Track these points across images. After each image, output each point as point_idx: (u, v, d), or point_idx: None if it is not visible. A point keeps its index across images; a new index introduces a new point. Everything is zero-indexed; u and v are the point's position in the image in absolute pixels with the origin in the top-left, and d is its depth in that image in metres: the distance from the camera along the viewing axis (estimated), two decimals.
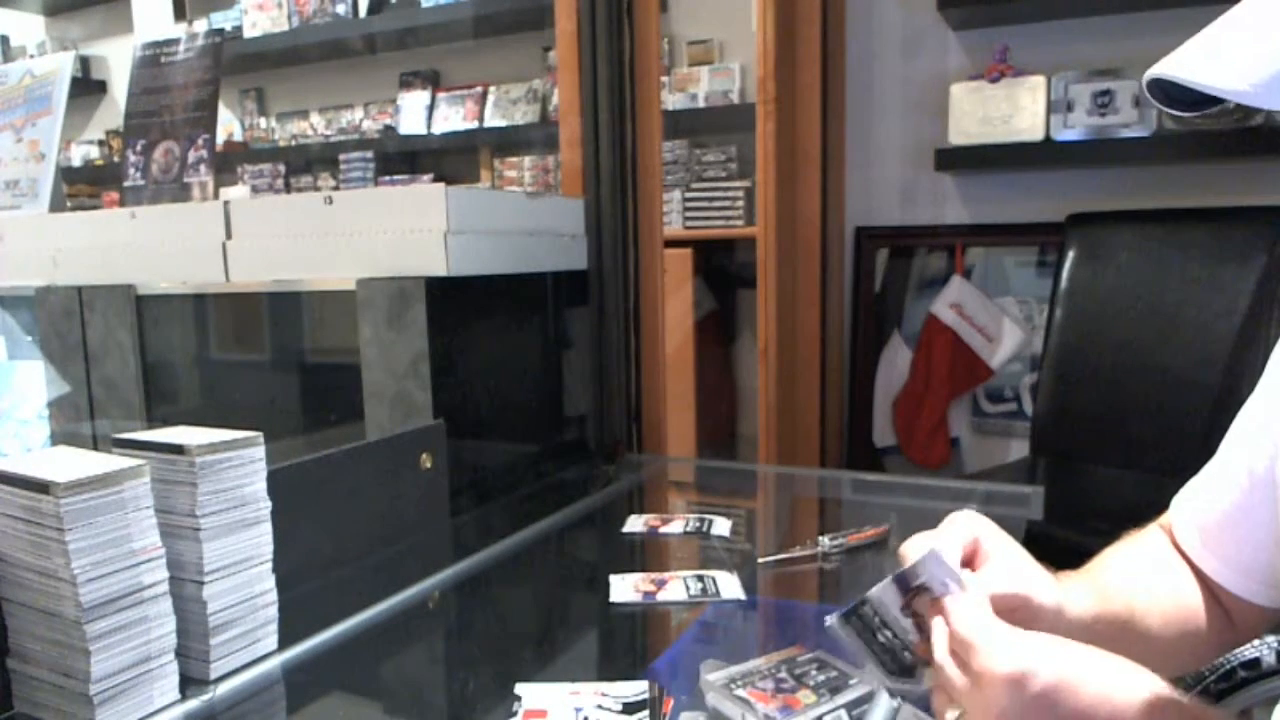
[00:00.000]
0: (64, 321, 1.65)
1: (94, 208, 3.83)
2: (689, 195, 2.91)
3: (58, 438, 1.71)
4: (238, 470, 0.81)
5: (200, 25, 3.67)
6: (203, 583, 0.78)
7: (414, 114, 3.61)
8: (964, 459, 2.65)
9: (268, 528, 0.85)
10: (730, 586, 1.03)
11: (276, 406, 1.55)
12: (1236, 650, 1.02)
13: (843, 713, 0.73)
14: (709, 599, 1.01)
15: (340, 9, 3.50)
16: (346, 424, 1.38)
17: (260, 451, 0.83)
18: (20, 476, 0.69)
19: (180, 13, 3.62)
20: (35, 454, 0.75)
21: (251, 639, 0.83)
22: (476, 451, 1.38)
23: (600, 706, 0.76)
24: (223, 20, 3.73)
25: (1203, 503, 0.77)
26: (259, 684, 0.82)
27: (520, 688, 0.80)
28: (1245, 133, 2.09)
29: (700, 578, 1.05)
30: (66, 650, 0.70)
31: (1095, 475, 2.03)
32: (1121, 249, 2.06)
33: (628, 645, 1.01)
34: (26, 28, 4.46)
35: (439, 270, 1.27)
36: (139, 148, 1.67)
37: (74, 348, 1.65)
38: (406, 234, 1.29)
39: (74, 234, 1.65)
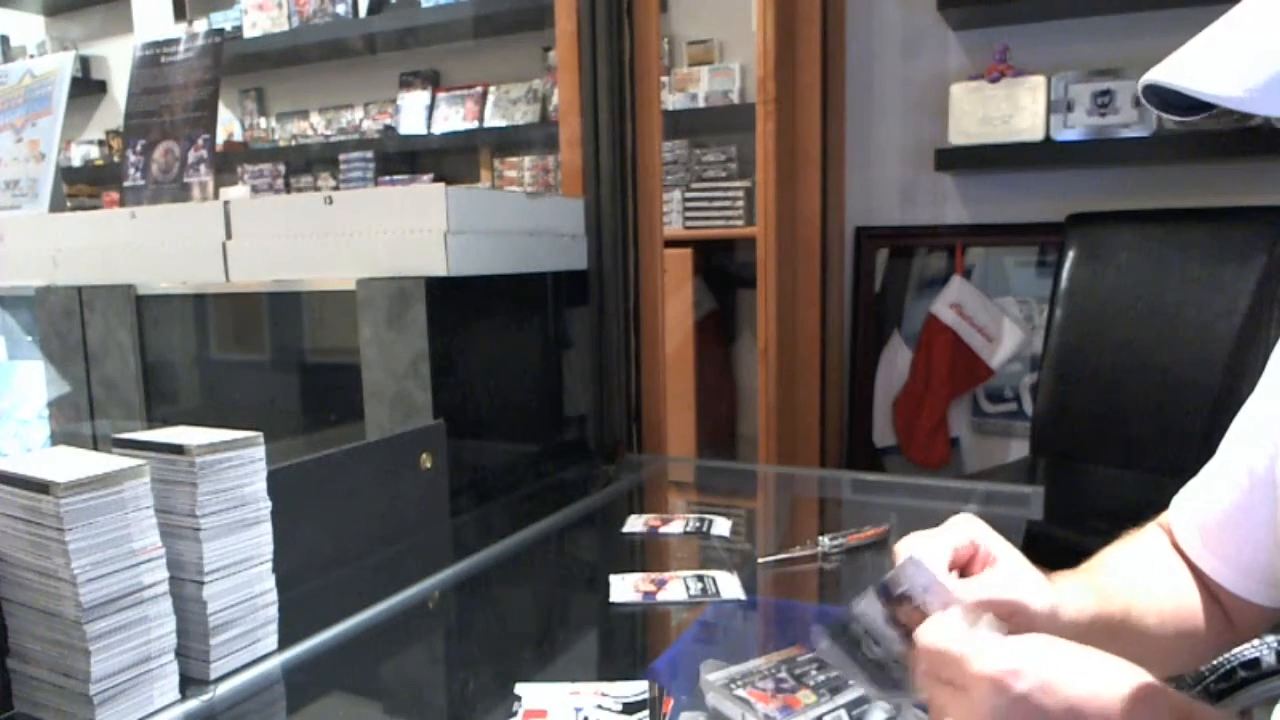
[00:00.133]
0: (64, 321, 1.65)
1: (94, 208, 3.83)
2: (689, 195, 2.91)
3: (58, 438, 1.71)
4: (238, 470, 0.81)
5: (200, 25, 3.67)
6: (203, 583, 0.78)
7: (414, 114, 3.61)
8: (964, 459, 2.65)
9: (268, 528, 0.85)
10: (730, 586, 1.03)
11: (276, 406, 1.55)
12: (1236, 650, 1.02)
13: (843, 713, 0.73)
14: (709, 599, 1.01)
15: (340, 9, 3.50)
16: (346, 424, 1.38)
17: (260, 451, 0.83)
18: (20, 476, 0.69)
19: (180, 13, 3.62)
20: (35, 454, 0.75)
21: (251, 639, 0.83)
22: (476, 451, 1.39)
23: (600, 706, 0.76)
24: (223, 20, 3.73)
25: (1203, 502, 0.77)
26: (259, 684, 0.82)
27: (520, 688, 0.80)
28: (1245, 133, 2.09)
29: (700, 578, 1.05)
30: (66, 650, 0.70)
31: (1095, 475, 2.03)
32: (1121, 249, 2.06)
33: (628, 645, 1.01)
34: (26, 28, 4.46)
35: (439, 270, 1.27)
36: (139, 148, 1.67)
37: (74, 348, 1.65)
38: (406, 234, 1.29)
39: (74, 234, 1.65)
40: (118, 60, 4.28)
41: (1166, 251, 2.02)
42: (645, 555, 1.25)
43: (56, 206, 1.77)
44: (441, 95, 3.58)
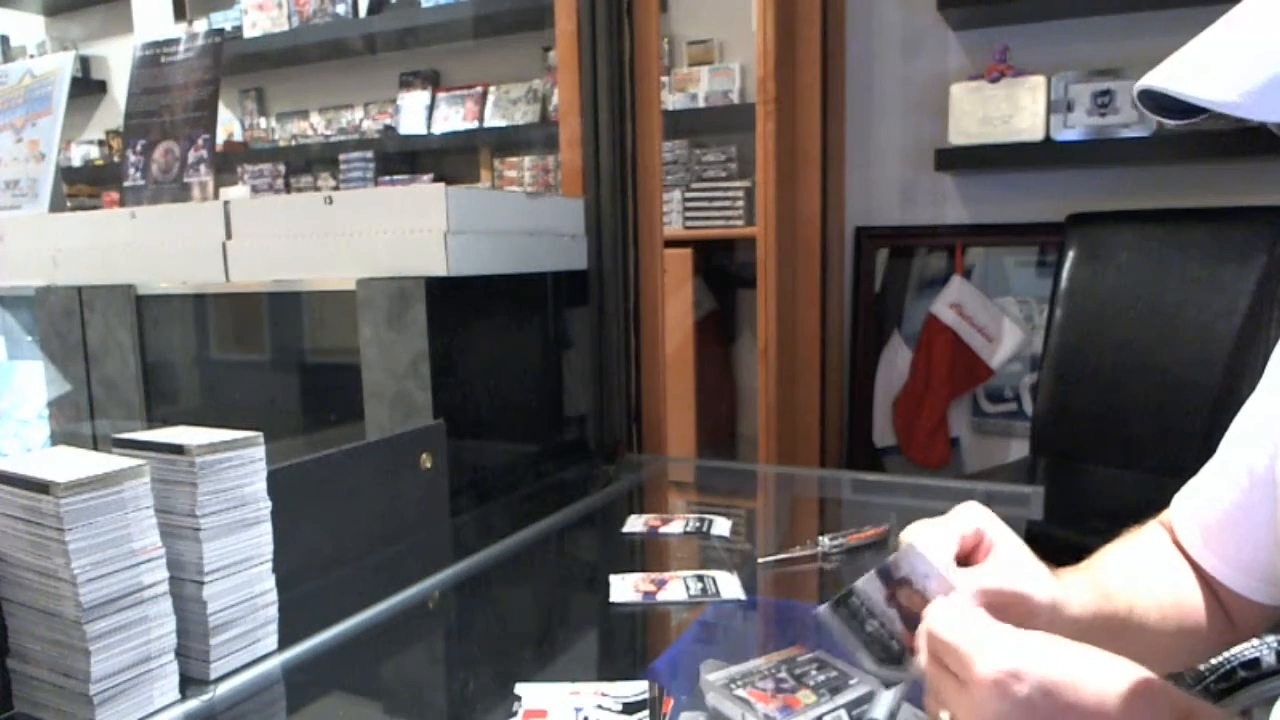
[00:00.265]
0: (64, 321, 1.65)
1: (94, 208, 3.83)
2: (689, 195, 2.91)
3: (58, 438, 1.71)
4: (238, 470, 0.81)
5: (200, 25, 3.67)
6: (203, 583, 0.78)
7: (414, 114, 3.61)
8: (964, 459, 2.65)
9: (268, 528, 0.85)
10: (730, 586, 1.03)
11: (276, 406, 1.55)
12: (1236, 650, 1.02)
13: (843, 713, 0.73)
14: (709, 599, 1.01)
15: (340, 9, 3.50)
16: (346, 424, 1.38)
17: (260, 451, 0.83)
18: (20, 476, 0.69)
19: (180, 13, 3.62)
20: (35, 454, 0.75)
21: (251, 639, 0.83)
22: (476, 451, 1.38)
23: (600, 706, 0.76)
24: (223, 20, 3.73)
25: (1203, 501, 0.77)
26: (259, 684, 0.82)
27: (520, 688, 0.80)
28: (1245, 133, 2.09)
29: (700, 578, 1.05)
30: (66, 650, 0.70)
31: (1095, 475, 2.03)
32: (1121, 249, 2.06)
33: (628, 645, 1.01)
34: (26, 28, 4.46)
35: (439, 270, 1.27)
36: (139, 148, 1.67)
37: (74, 348, 1.65)
38: (406, 234, 1.29)
39: (74, 234, 1.65)
40: (118, 60, 4.29)
41: (1166, 251, 2.02)
42: (645, 555, 1.25)
43: (56, 206, 1.77)
44: (441, 95, 3.58)
